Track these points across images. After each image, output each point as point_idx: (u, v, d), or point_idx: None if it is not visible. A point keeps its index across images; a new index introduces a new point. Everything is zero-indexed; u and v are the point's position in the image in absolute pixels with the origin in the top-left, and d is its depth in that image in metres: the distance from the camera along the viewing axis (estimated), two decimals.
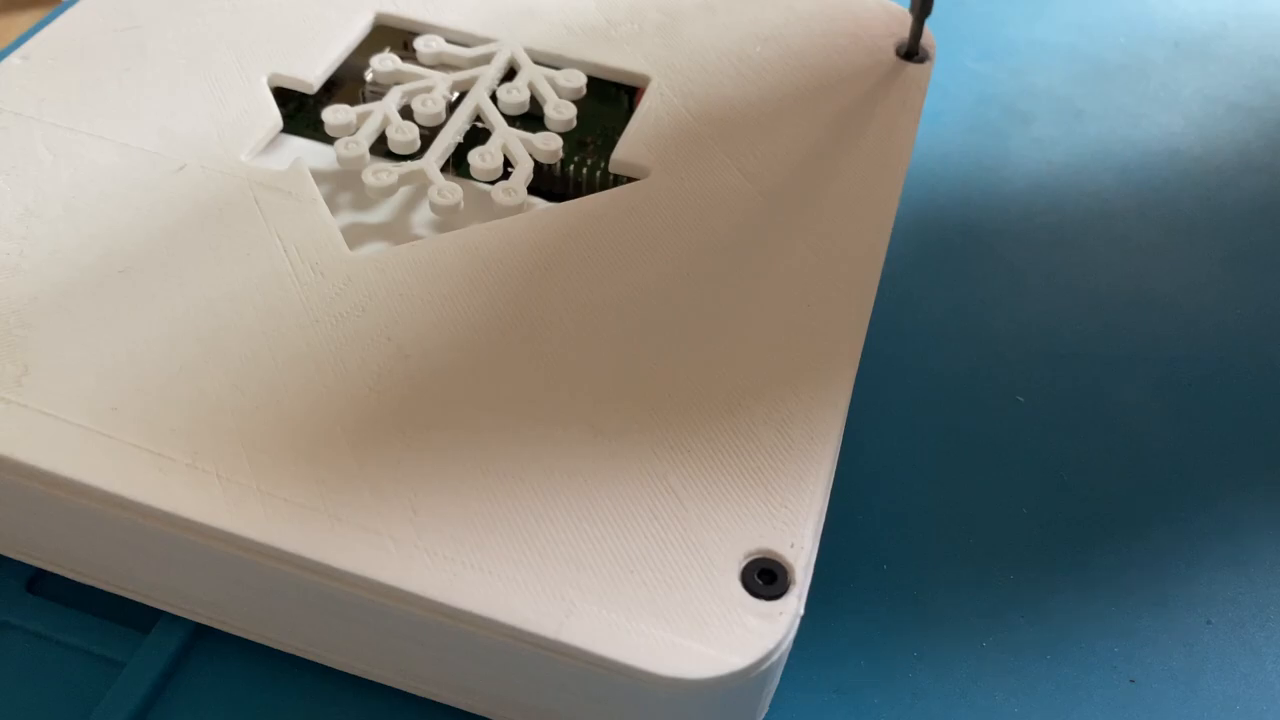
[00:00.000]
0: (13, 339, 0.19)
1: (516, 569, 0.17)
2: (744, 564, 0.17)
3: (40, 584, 0.20)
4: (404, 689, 0.18)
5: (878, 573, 0.22)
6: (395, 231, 0.23)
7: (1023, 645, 0.21)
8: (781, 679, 0.19)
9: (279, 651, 0.19)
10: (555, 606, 0.16)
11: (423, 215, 0.23)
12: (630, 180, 0.23)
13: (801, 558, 0.17)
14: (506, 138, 0.24)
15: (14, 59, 0.25)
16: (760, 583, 0.16)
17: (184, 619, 0.19)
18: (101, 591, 0.19)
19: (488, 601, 0.16)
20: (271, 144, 0.24)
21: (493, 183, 0.23)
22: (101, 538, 0.18)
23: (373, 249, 0.22)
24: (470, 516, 0.17)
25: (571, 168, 0.25)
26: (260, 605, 0.18)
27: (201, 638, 0.19)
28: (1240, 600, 0.22)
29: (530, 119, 0.25)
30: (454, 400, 0.19)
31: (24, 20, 0.32)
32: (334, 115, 0.24)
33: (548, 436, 0.18)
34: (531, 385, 0.19)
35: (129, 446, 0.18)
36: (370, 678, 0.18)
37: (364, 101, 0.25)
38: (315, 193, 0.22)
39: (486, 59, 0.26)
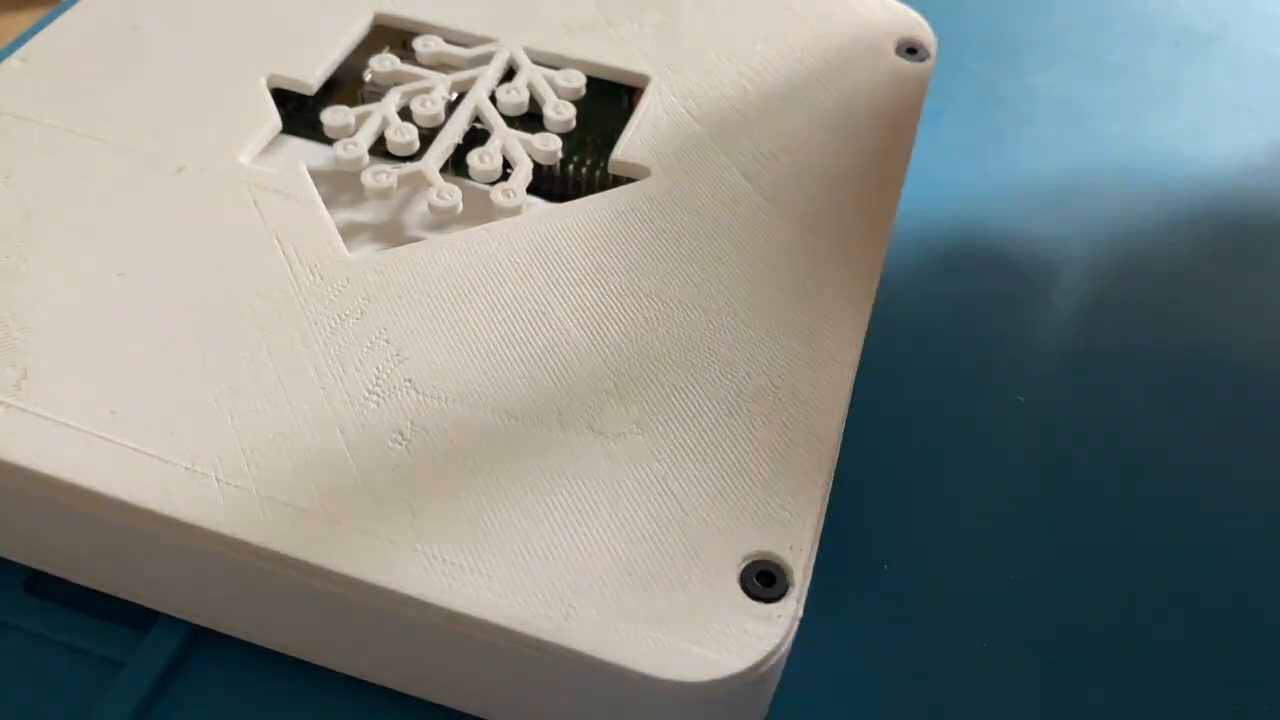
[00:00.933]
0: (13, 342, 0.19)
1: (515, 572, 0.17)
2: (743, 566, 0.17)
3: (40, 584, 0.20)
4: (404, 691, 0.18)
5: (878, 573, 0.22)
6: (394, 233, 0.23)
7: (1023, 646, 0.21)
8: (781, 679, 0.19)
9: (279, 652, 0.19)
10: (554, 609, 0.16)
11: (421, 216, 0.23)
12: (630, 180, 0.23)
13: (801, 560, 0.17)
14: (505, 139, 0.24)
15: (13, 60, 0.25)
16: (759, 585, 0.16)
17: (184, 619, 0.19)
18: (100, 591, 0.19)
19: (487, 605, 0.16)
20: (271, 145, 0.24)
21: (492, 184, 0.23)
22: (101, 540, 0.18)
23: (371, 251, 0.22)
24: (469, 519, 0.17)
25: (571, 168, 0.25)
26: (259, 608, 0.18)
27: (201, 638, 0.19)
28: (1241, 600, 0.22)
29: (529, 119, 0.25)
30: (453, 402, 0.19)
31: (23, 20, 0.31)
32: (332, 116, 0.24)
33: (546, 438, 0.18)
34: (530, 387, 0.19)
35: (128, 450, 0.18)
36: (369, 680, 0.18)
37: (363, 102, 0.25)
38: (314, 194, 0.22)
39: (485, 59, 0.26)
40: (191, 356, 0.19)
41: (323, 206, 0.22)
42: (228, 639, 0.19)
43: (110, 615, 0.19)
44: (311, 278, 0.20)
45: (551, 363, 0.19)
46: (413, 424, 0.18)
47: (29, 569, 0.20)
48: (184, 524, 0.17)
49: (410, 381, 0.19)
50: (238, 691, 0.19)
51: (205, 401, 0.18)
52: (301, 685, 0.19)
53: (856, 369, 0.20)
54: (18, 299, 0.20)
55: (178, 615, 0.19)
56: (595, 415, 0.19)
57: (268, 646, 0.19)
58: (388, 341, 0.19)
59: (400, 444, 0.18)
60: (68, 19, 0.26)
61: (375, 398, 0.19)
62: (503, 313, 0.20)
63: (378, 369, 0.19)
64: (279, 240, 0.21)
